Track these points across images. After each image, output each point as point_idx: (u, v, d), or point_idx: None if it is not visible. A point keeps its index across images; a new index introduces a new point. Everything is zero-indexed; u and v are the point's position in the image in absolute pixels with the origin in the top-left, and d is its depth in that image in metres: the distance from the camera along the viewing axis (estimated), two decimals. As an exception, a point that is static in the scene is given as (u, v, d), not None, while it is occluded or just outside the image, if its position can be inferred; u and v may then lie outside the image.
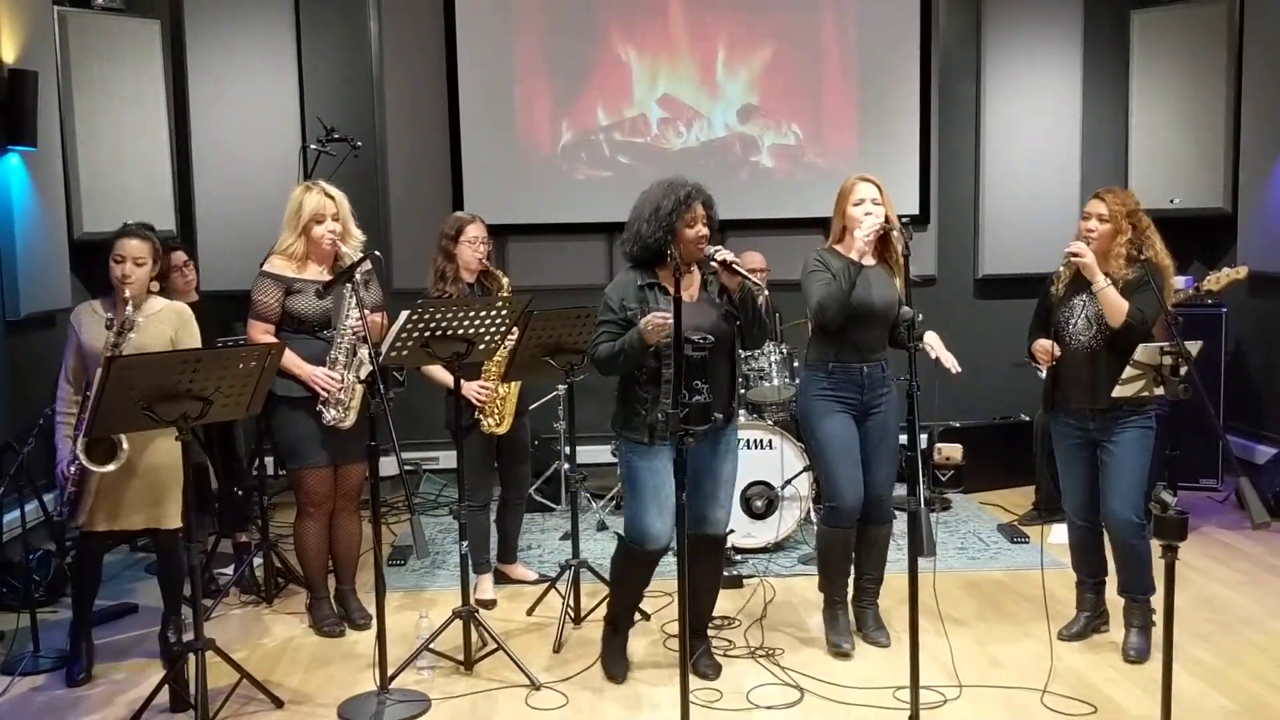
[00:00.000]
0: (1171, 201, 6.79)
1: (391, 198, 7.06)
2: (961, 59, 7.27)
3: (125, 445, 3.82)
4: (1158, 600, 3.39)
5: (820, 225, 7.26)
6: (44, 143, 5.53)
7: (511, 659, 4.01)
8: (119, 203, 6.14)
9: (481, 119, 7.04)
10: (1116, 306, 3.93)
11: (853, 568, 4.32)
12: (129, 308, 3.90)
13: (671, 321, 3.47)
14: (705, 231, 3.80)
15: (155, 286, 4.05)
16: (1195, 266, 6.88)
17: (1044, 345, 4.13)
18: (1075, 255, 3.97)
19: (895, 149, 7.17)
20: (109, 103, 6.20)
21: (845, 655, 4.15)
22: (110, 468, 3.81)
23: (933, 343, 4.31)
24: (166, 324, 4.02)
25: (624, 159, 7.12)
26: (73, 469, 3.87)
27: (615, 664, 4.04)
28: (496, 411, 4.73)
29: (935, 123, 7.22)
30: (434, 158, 7.08)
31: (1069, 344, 4.08)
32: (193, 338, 4.09)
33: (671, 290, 3.82)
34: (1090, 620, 4.28)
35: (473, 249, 4.73)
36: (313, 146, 6.18)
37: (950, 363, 4.27)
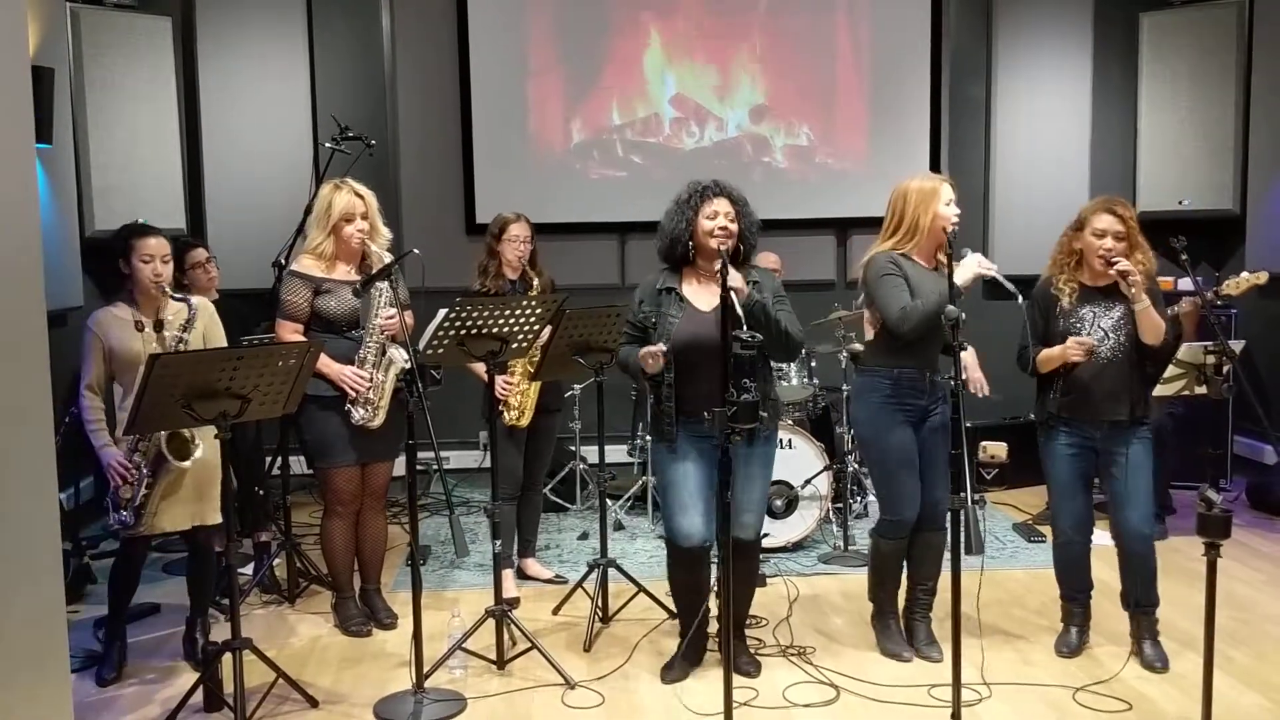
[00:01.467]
0: (1180, 203, 6.85)
1: (403, 196, 7.03)
2: (972, 60, 7.30)
3: (200, 440, 3.81)
4: (1199, 599, 3.39)
5: (831, 225, 7.39)
6: (57, 140, 5.48)
7: (546, 658, 3.99)
8: (130, 200, 6.11)
9: (494, 117, 7.03)
10: (1157, 325, 3.83)
11: (905, 578, 4.24)
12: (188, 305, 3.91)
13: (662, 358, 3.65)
14: (726, 225, 3.74)
15: None
16: (1203, 268, 6.91)
17: (1065, 347, 3.93)
18: (1124, 275, 3.80)
19: (906, 150, 7.19)
20: (120, 100, 6.16)
21: (905, 662, 4.11)
22: (188, 463, 3.80)
23: (968, 361, 4.24)
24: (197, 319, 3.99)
25: (637, 159, 7.11)
26: (144, 471, 3.81)
27: (669, 670, 4.00)
28: (518, 404, 4.75)
29: (945, 123, 7.26)
30: (446, 156, 7.08)
31: None
32: (220, 329, 4.08)
33: (688, 298, 3.82)
34: (1080, 633, 4.19)
35: (513, 247, 4.79)
36: (327, 145, 6.14)
37: (978, 383, 4.23)
